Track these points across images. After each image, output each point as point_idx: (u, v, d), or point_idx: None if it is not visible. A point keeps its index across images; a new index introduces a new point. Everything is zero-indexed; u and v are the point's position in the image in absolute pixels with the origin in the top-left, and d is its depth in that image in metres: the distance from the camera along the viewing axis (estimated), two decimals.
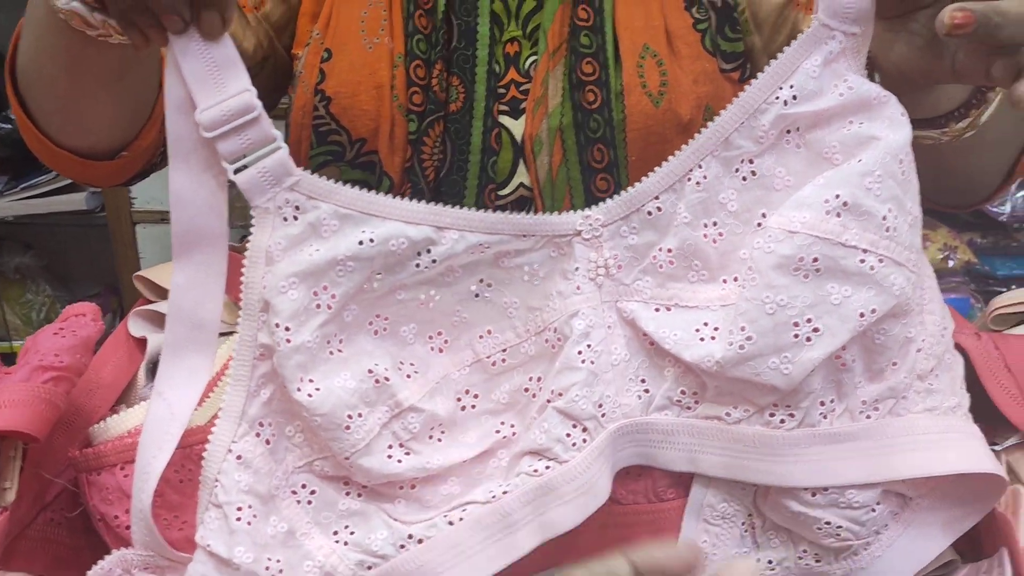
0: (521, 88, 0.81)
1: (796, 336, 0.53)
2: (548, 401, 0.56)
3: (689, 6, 0.81)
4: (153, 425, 0.53)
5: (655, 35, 0.80)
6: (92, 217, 1.89)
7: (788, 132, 0.56)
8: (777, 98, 0.55)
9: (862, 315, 0.53)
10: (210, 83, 0.51)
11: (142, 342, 0.66)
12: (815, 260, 0.52)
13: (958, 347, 0.60)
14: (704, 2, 0.82)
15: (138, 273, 0.72)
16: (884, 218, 0.53)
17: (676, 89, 0.78)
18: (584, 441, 0.56)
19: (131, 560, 0.54)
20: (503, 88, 0.81)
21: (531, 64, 0.81)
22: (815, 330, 0.53)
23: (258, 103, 0.52)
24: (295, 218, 0.53)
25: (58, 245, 2.12)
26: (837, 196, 0.53)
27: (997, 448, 0.59)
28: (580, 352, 0.56)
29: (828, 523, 0.56)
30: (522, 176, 0.80)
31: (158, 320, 0.68)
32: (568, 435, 0.55)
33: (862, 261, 0.52)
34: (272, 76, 0.85)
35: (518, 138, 0.80)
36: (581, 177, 0.79)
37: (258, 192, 0.53)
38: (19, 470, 0.56)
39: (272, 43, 0.84)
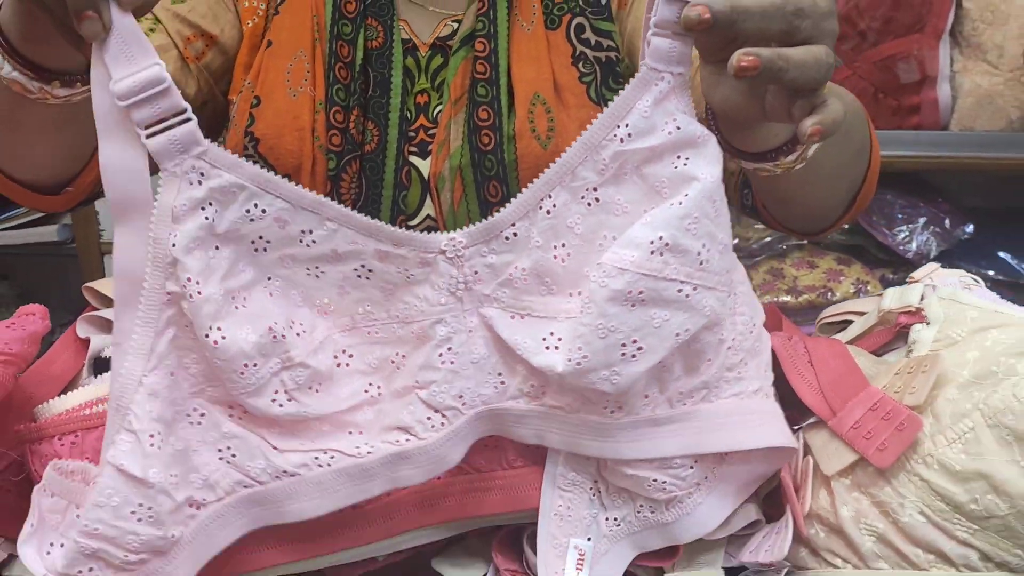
0: (429, 132, 0.91)
1: (623, 354, 0.61)
2: (414, 387, 0.65)
3: (576, 62, 0.92)
4: (118, 371, 0.60)
5: (545, 86, 0.90)
6: (63, 248, 1.94)
7: (626, 165, 0.63)
8: (615, 135, 0.62)
9: (678, 334, 0.62)
10: (122, 58, 0.56)
11: (88, 342, 0.76)
12: (640, 292, 0.60)
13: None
14: (590, 58, 0.93)
15: (87, 284, 0.82)
16: (699, 253, 0.61)
17: (562, 134, 0.88)
18: (443, 424, 0.65)
19: (91, 472, 0.63)
20: (413, 132, 0.91)
21: (438, 112, 0.92)
22: (639, 349, 0.61)
23: (167, 76, 0.56)
24: (199, 183, 0.58)
25: (32, 274, 2.16)
26: (660, 238, 0.60)
27: (797, 428, 0.70)
28: (441, 355, 0.65)
29: (655, 480, 0.66)
30: (429, 209, 0.91)
31: (102, 324, 0.79)
32: (429, 419, 0.65)
33: (679, 291, 0.61)
34: (211, 118, 0.95)
35: (425, 175, 0.91)
36: (479, 210, 0.89)
37: (167, 157, 0.57)
38: None
39: (212, 89, 0.94)
